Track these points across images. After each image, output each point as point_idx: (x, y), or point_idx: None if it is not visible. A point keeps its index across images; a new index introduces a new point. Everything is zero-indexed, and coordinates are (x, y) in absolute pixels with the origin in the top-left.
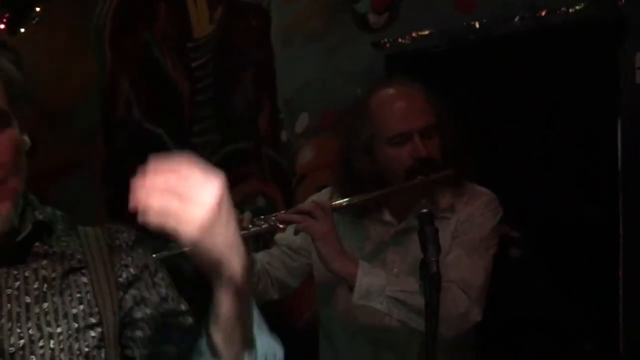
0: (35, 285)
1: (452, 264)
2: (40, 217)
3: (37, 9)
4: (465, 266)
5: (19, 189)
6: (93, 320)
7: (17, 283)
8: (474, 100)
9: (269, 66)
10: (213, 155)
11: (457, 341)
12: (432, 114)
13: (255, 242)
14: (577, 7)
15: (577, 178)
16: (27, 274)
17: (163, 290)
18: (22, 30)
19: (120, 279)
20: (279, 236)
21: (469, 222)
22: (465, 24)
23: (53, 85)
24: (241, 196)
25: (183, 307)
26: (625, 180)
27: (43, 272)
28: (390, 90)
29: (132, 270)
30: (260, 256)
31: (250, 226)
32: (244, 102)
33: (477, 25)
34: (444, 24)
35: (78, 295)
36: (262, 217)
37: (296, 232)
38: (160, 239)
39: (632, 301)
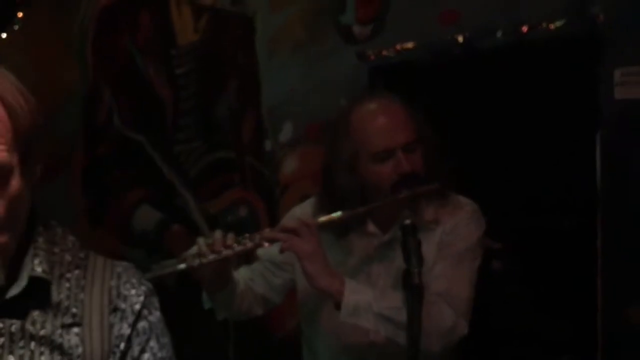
0: (21, 344)
1: (438, 276)
2: (39, 270)
3: (19, 15)
4: (451, 278)
5: (9, 243)
6: None
7: (2, 339)
8: (456, 113)
9: (253, 75)
10: (196, 163)
11: (440, 354)
12: (413, 128)
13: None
14: (558, 24)
15: (556, 191)
16: (13, 329)
17: None
18: (4, 36)
19: (115, 349)
20: (261, 251)
21: (454, 233)
22: (448, 37)
23: (34, 91)
24: (224, 205)
25: None
26: (604, 194)
27: (31, 328)
28: (371, 106)
29: (124, 343)
30: (243, 272)
31: (235, 245)
32: (227, 111)
33: (460, 39)
34: (427, 37)
35: (68, 358)
36: (247, 235)
37: (281, 251)
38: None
39: (610, 313)
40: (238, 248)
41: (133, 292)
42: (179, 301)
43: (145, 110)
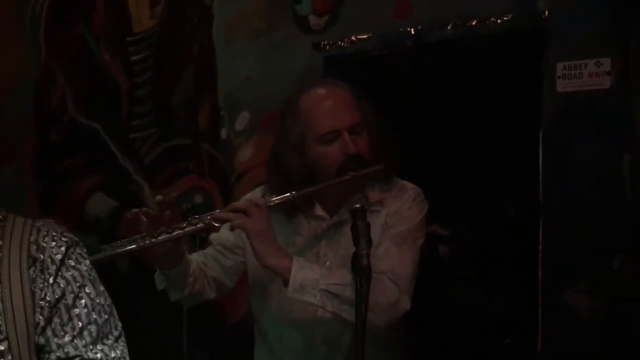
0: None
1: (383, 256)
2: None
3: None
4: (394, 257)
5: None
6: (1, 347)
7: None
8: (408, 103)
9: (210, 63)
10: (151, 151)
11: (384, 334)
12: (358, 111)
13: (192, 242)
14: (505, 18)
15: (501, 181)
16: None
17: (79, 324)
18: None
19: (42, 302)
20: (213, 236)
21: (398, 215)
22: (401, 29)
23: None
24: (179, 192)
25: (93, 353)
26: (545, 183)
27: None
28: (318, 91)
29: (52, 293)
30: (196, 256)
31: (185, 225)
32: (184, 98)
33: (412, 31)
34: (381, 29)
35: None
36: (197, 216)
37: (232, 229)
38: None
39: (550, 296)
40: (188, 228)
41: (53, 243)
42: (133, 289)
43: (100, 97)
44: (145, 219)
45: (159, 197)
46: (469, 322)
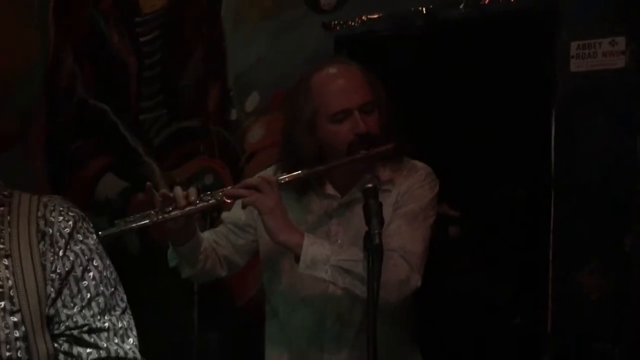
0: None
1: (394, 234)
2: None
3: None
4: (405, 235)
5: None
6: (15, 319)
7: None
8: (418, 83)
9: (219, 44)
10: (161, 132)
11: (396, 312)
12: (370, 90)
13: (203, 221)
14: None
15: (512, 161)
16: None
17: (87, 296)
18: None
19: (52, 274)
20: (225, 214)
21: (409, 194)
22: (412, 8)
23: None
24: (189, 173)
25: (101, 322)
26: (557, 164)
27: None
28: (330, 69)
29: (62, 266)
30: (207, 235)
31: (198, 201)
32: (193, 79)
33: (424, 10)
34: (392, 8)
35: (0, 290)
36: (209, 192)
37: (244, 206)
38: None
39: (561, 278)
40: (200, 204)
41: (60, 218)
42: (144, 269)
43: (109, 78)
44: (159, 197)
45: (178, 190)
46: (479, 302)
